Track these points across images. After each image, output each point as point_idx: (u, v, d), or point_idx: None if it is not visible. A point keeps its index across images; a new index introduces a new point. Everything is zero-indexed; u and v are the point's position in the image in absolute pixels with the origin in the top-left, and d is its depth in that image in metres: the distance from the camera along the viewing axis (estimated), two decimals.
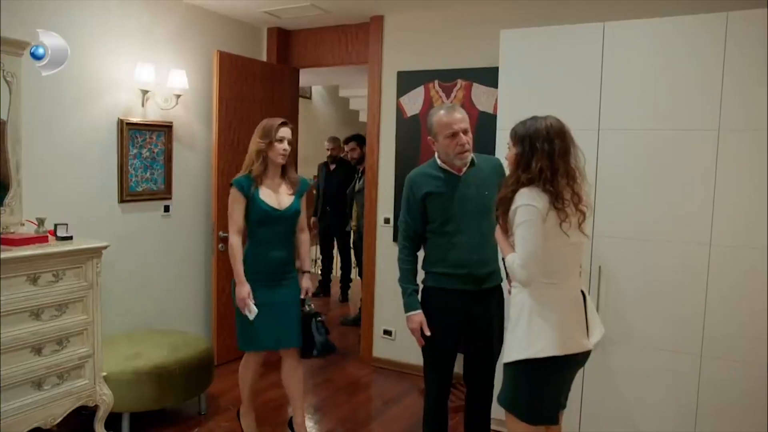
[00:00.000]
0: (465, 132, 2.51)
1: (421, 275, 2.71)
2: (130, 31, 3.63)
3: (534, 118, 2.17)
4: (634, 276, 2.99)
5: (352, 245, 5.36)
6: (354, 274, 6.32)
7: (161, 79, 3.75)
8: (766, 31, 2.65)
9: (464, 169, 2.58)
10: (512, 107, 3.20)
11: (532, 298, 2.11)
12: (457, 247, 2.52)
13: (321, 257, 6.47)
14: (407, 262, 2.66)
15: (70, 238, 2.98)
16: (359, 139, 5.50)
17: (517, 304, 2.17)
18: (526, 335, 2.11)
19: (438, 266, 2.60)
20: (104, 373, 3.05)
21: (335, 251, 6.36)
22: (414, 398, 3.85)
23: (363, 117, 8.89)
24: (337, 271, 6.57)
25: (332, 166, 6.09)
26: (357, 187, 5.40)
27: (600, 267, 3.04)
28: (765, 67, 2.67)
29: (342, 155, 6.07)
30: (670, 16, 2.94)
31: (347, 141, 5.70)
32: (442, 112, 2.56)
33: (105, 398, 3.04)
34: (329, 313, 6.02)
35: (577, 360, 2.18)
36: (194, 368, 3.34)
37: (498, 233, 2.27)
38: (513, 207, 2.11)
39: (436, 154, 2.64)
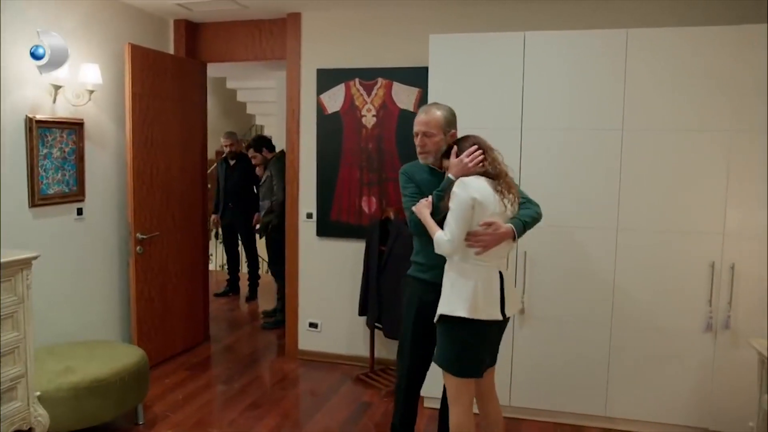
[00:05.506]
0: (426, 134, 2.66)
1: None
2: (34, 23, 3.32)
3: (465, 137, 2.60)
4: (554, 258, 3.38)
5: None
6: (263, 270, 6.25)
7: (72, 73, 3.49)
8: (660, 46, 3.14)
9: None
10: None
11: (456, 271, 2.46)
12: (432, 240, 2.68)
13: (226, 256, 6.32)
14: None
15: None
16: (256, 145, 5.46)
17: (447, 276, 2.51)
18: (447, 298, 2.46)
19: (417, 256, 2.74)
20: (38, 393, 2.84)
21: (240, 248, 6.26)
22: (349, 387, 4.00)
23: (251, 109, 8.75)
24: (243, 267, 6.46)
25: (232, 162, 5.96)
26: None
27: (525, 252, 3.39)
28: (659, 76, 3.16)
29: (242, 151, 6.01)
30: (580, 30, 3.35)
31: (247, 148, 5.59)
32: (420, 110, 2.72)
33: (41, 419, 2.83)
34: (237, 311, 5.95)
35: (492, 327, 2.51)
36: (133, 378, 3.20)
37: (425, 214, 2.53)
38: (452, 191, 2.46)
39: None
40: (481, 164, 2.48)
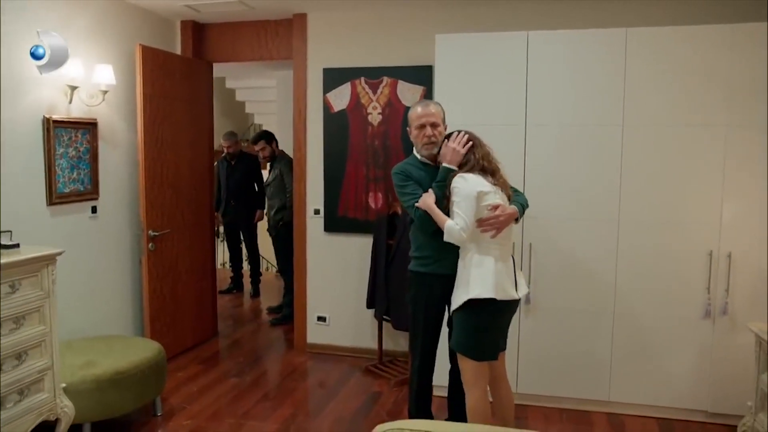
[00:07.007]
0: (433, 125, 2.80)
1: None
2: (50, 25, 3.39)
3: (457, 132, 2.75)
4: (558, 250, 3.49)
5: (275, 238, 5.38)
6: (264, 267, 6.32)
7: (86, 74, 3.57)
8: (658, 44, 3.27)
9: None
10: (447, 105, 3.52)
11: (475, 259, 2.59)
12: (438, 233, 2.75)
13: (229, 253, 6.40)
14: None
15: (17, 245, 2.81)
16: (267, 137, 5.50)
17: (466, 266, 2.62)
18: (471, 284, 2.57)
19: (420, 251, 2.85)
20: (63, 385, 2.93)
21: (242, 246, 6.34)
22: (358, 378, 4.10)
23: (250, 108, 8.82)
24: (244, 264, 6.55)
25: (233, 162, 6.03)
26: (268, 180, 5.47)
27: (531, 244, 3.51)
28: (657, 73, 3.28)
29: (245, 150, 6.09)
30: (581, 29, 3.47)
31: (255, 141, 5.62)
32: (417, 106, 2.86)
33: (66, 410, 2.92)
34: (242, 307, 6.03)
35: (509, 307, 2.67)
36: (151, 371, 3.29)
37: (431, 204, 2.65)
38: (452, 186, 2.63)
39: (414, 150, 2.90)
40: (469, 143, 2.67)
